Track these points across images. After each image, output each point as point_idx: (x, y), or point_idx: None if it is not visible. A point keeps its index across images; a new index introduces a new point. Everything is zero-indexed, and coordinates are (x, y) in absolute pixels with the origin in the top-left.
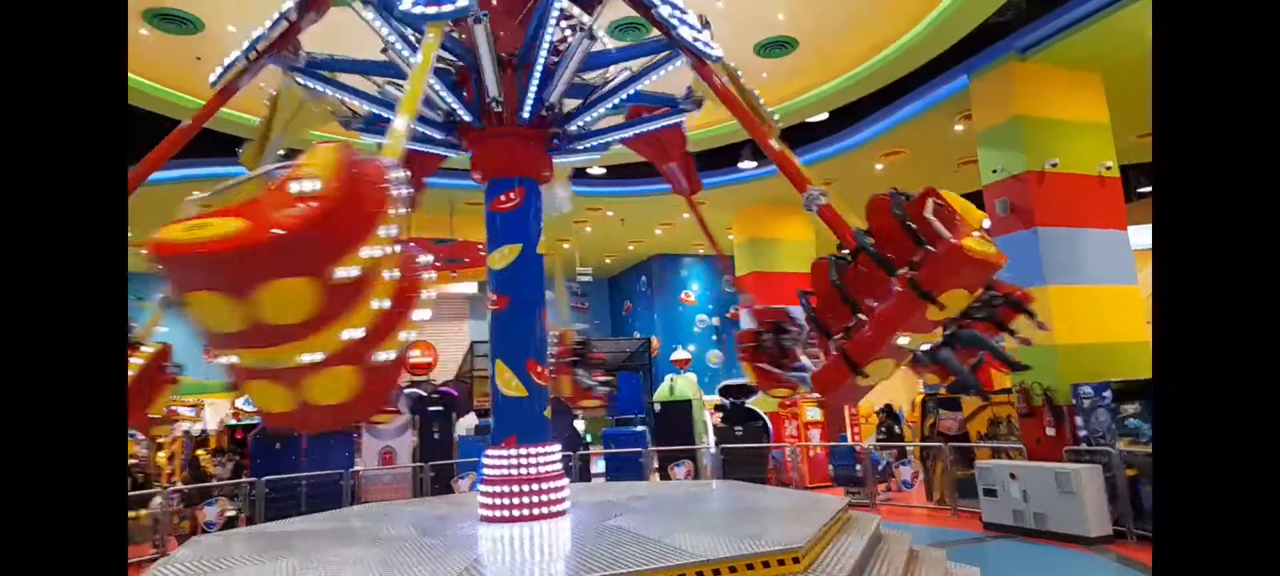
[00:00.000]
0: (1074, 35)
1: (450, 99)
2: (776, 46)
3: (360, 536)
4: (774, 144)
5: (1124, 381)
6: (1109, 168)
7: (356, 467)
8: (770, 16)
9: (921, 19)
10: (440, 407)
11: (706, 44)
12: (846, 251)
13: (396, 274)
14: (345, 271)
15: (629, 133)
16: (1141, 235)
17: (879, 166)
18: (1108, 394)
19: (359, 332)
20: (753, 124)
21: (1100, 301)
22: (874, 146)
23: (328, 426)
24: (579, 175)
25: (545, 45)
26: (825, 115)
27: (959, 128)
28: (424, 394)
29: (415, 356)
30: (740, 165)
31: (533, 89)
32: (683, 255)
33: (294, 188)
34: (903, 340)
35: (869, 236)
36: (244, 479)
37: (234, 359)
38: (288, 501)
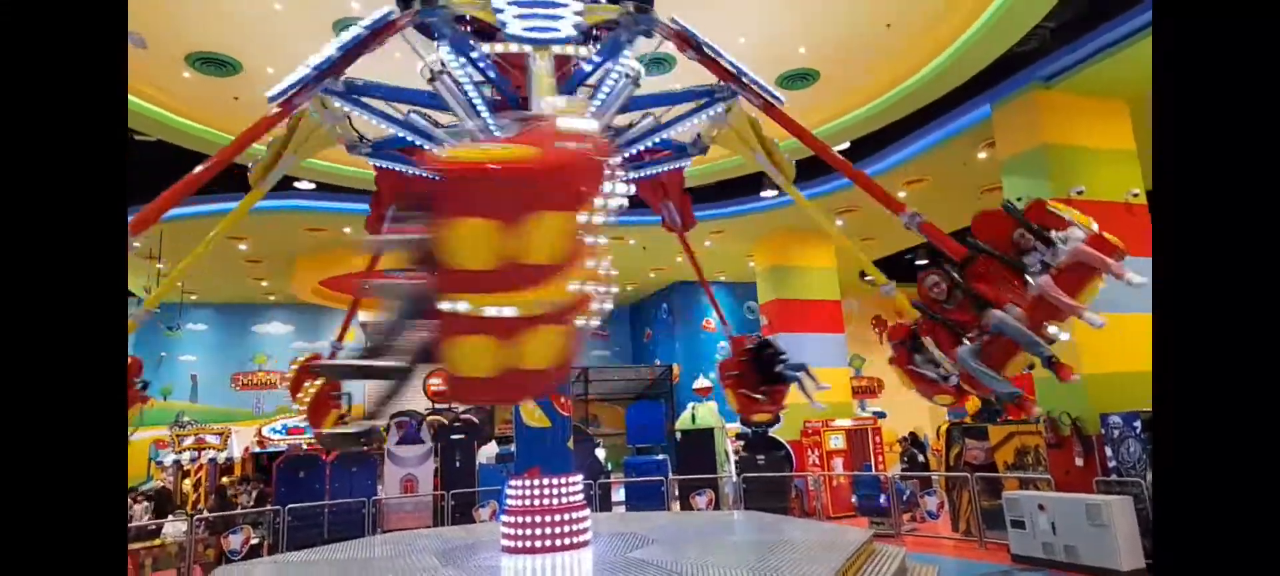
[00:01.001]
0: (1099, 63)
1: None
2: (799, 78)
3: (383, 566)
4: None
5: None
6: (1136, 195)
7: (378, 496)
8: (792, 50)
9: (943, 50)
10: (462, 435)
11: (768, 88)
12: (960, 261)
13: (598, 247)
14: (589, 218)
15: (643, 173)
16: None
17: (901, 194)
18: (1138, 424)
19: (586, 288)
20: (828, 154)
21: (1129, 330)
22: (896, 175)
23: (517, 395)
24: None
25: (614, 84)
26: (847, 144)
27: (982, 155)
28: (445, 422)
29: (437, 385)
30: (762, 194)
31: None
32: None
33: (566, 126)
34: (1052, 329)
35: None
36: (268, 507)
37: (463, 305)
38: (311, 529)
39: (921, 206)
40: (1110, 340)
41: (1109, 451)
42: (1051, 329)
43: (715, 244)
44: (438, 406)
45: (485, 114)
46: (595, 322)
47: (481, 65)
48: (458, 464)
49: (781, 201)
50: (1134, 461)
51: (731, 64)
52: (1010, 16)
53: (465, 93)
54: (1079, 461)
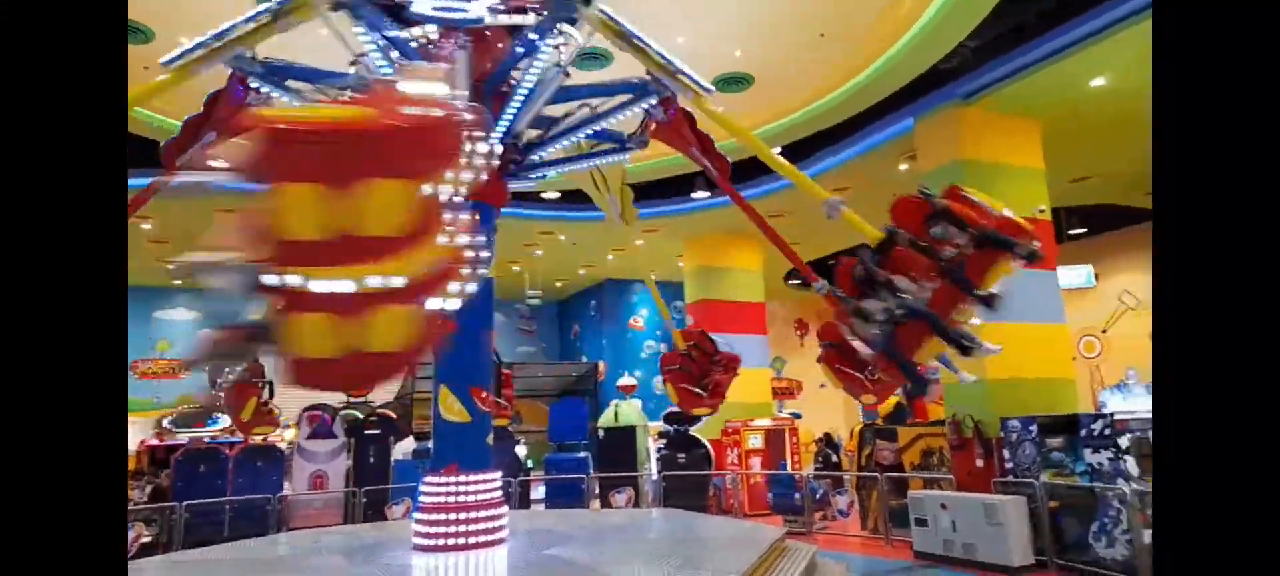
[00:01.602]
0: (1016, 83)
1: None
2: (734, 82)
3: (286, 565)
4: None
5: (1049, 416)
6: (1042, 211)
7: (285, 492)
8: (728, 53)
9: (872, 62)
10: (377, 431)
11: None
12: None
13: (460, 221)
14: (437, 190)
15: (578, 166)
16: (1069, 276)
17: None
18: (1033, 428)
19: (435, 265)
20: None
21: (1030, 339)
22: (822, 182)
23: (362, 379)
24: (531, 199)
25: (531, 77)
26: (777, 150)
27: (904, 167)
28: (361, 416)
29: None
30: (694, 194)
31: (506, 119)
32: (633, 281)
33: (411, 90)
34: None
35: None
36: (164, 503)
37: (297, 279)
38: (210, 526)
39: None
40: (1011, 348)
41: (1007, 453)
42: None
43: (647, 243)
44: (354, 400)
45: None
46: (455, 305)
47: (403, 49)
48: (372, 460)
49: (712, 203)
50: (1028, 463)
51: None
52: (935, 34)
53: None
54: (979, 463)
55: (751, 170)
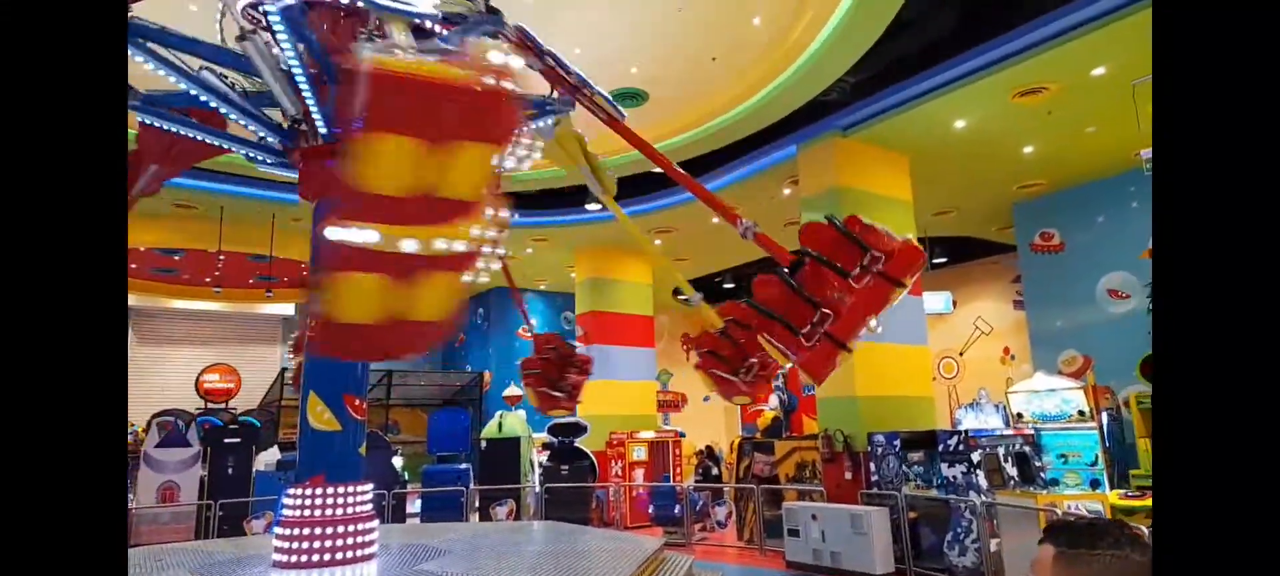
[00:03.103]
0: (888, 119)
1: (291, 109)
2: (628, 98)
3: None
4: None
5: (911, 431)
6: (908, 239)
7: (129, 505)
8: (624, 68)
9: (759, 90)
10: (238, 439)
11: (613, 102)
12: (788, 267)
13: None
14: (504, 160)
15: None
16: (931, 302)
17: (715, 220)
18: (897, 443)
19: (480, 238)
20: (667, 165)
21: (895, 359)
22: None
23: (394, 349)
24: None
25: None
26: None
27: (786, 192)
28: (221, 423)
29: (213, 381)
30: (587, 206)
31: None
32: (523, 290)
33: (495, 60)
34: (872, 322)
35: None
36: None
37: (370, 235)
38: None
39: (730, 237)
40: (879, 367)
41: (873, 466)
42: (873, 321)
43: (537, 251)
44: (212, 405)
45: (304, 86)
46: (478, 279)
47: (303, 32)
48: (230, 470)
49: (604, 216)
50: (892, 476)
51: (577, 75)
52: (818, 67)
53: (285, 60)
54: (848, 475)
55: (644, 186)
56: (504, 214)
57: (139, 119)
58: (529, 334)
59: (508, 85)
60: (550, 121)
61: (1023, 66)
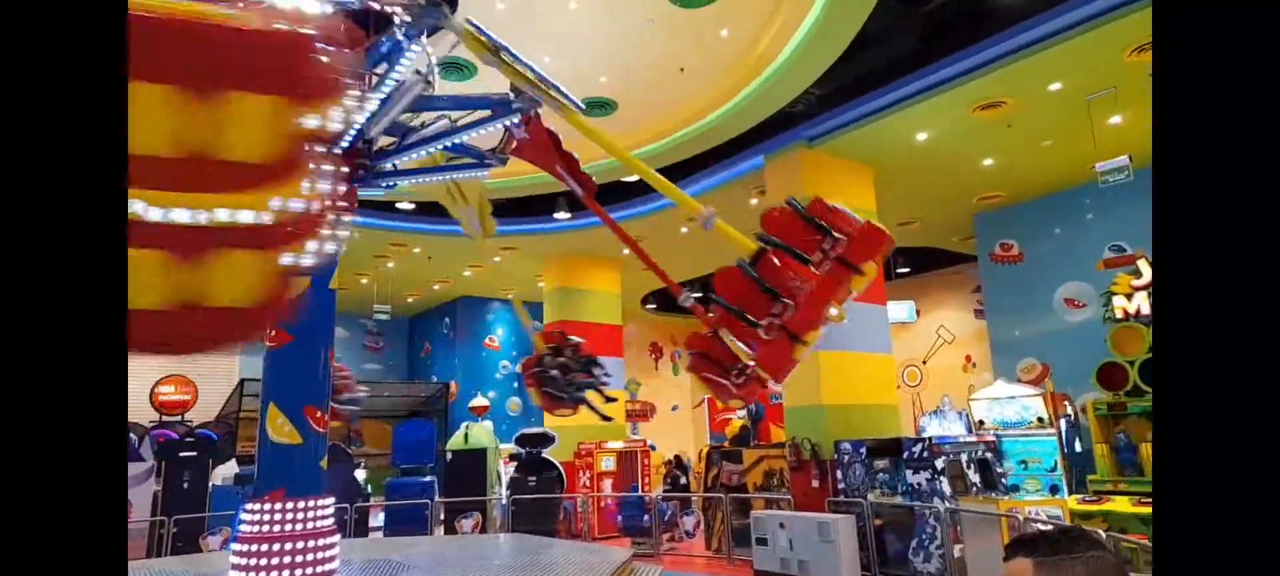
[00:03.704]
0: (853, 131)
1: None
2: (598, 106)
3: None
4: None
5: (877, 439)
6: None
7: None
8: (593, 77)
9: (726, 101)
10: (194, 453)
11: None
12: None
13: (326, 168)
14: (307, 122)
15: (432, 178)
16: (895, 311)
17: (684, 229)
18: (863, 450)
19: (295, 212)
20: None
21: (861, 367)
22: (681, 210)
23: (198, 339)
24: (384, 208)
25: (402, 78)
26: (637, 177)
27: (754, 201)
28: (176, 437)
29: (168, 393)
30: (556, 215)
31: (357, 123)
32: (490, 299)
33: (289, 8)
34: (832, 311)
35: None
36: None
37: (136, 204)
38: None
39: (703, 241)
40: (844, 376)
41: (840, 474)
42: (833, 310)
43: (504, 260)
44: (167, 418)
45: None
46: (309, 264)
47: None
48: (186, 485)
49: (573, 224)
50: (858, 483)
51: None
52: (785, 79)
53: None
54: (815, 483)
55: (615, 194)
56: (340, 186)
57: None
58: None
59: (308, 32)
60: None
61: (982, 81)
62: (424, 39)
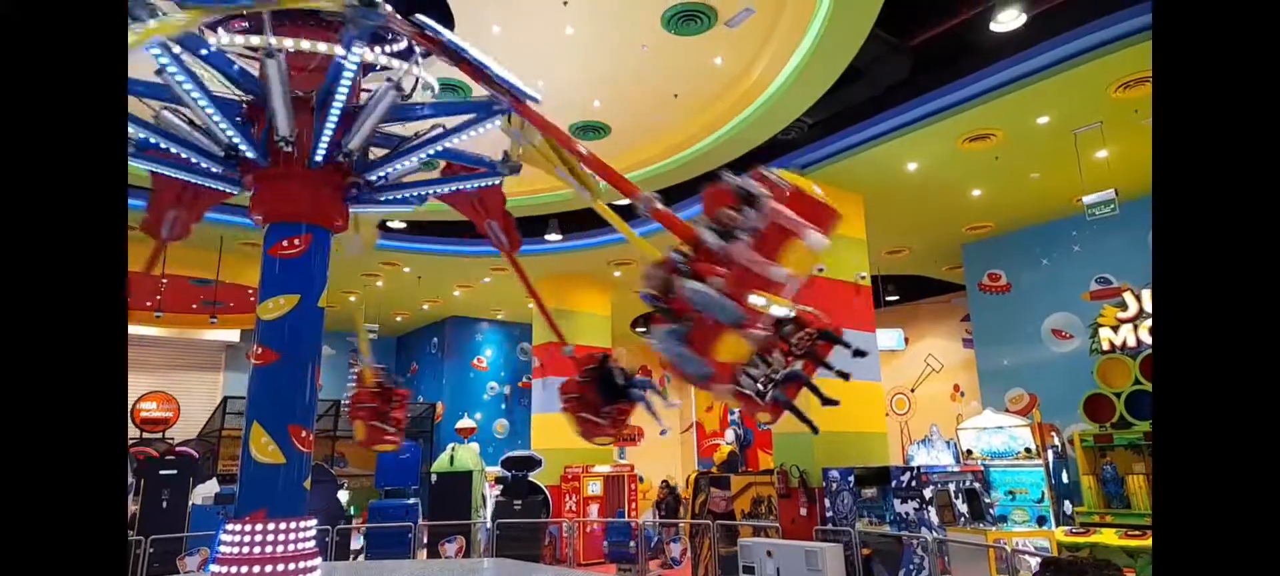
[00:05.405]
0: (844, 160)
1: (233, 133)
2: (592, 130)
3: None
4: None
5: (865, 467)
6: (863, 277)
7: None
8: (587, 101)
9: (718, 128)
10: (174, 471)
11: (518, 86)
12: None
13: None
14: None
15: (439, 189)
16: (884, 339)
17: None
18: (852, 478)
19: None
20: (574, 148)
21: (849, 394)
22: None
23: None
24: (377, 227)
25: (342, 90)
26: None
27: None
28: (156, 454)
29: (149, 410)
30: (547, 237)
31: (327, 132)
32: (479, 319)
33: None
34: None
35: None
36: None
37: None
38: None
39: None
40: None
41: (828, 502)
42: (756, 299)
43: (494, 281)
44: (148, 436)
45: (209, 108)
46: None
47: (217, 62)
48: (165, 504)
49: (564, 246)
50: (846, 511)
51: (475, 61)
52: (777, 108)
53: (189, 88)
54: (803, 511)
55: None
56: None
57: (146, 168)
58: (567, 353)
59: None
60: (513, 123)
61: (971, 113)
62: (362, 40)
